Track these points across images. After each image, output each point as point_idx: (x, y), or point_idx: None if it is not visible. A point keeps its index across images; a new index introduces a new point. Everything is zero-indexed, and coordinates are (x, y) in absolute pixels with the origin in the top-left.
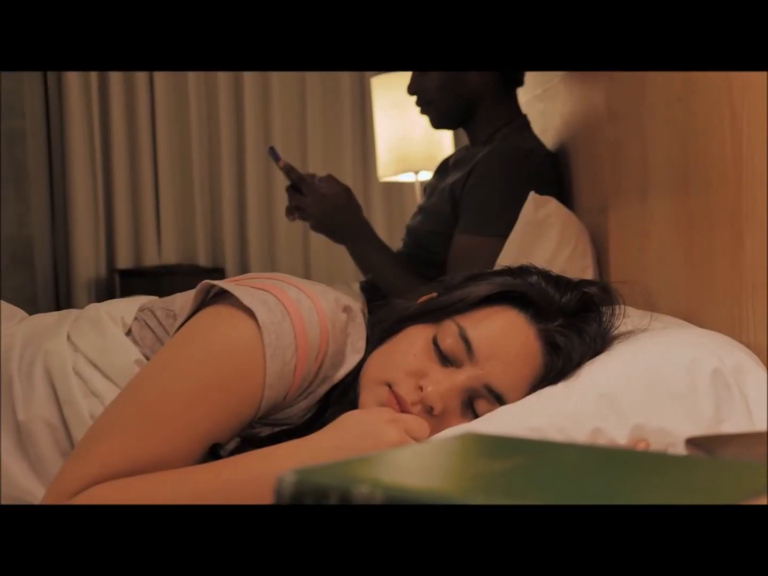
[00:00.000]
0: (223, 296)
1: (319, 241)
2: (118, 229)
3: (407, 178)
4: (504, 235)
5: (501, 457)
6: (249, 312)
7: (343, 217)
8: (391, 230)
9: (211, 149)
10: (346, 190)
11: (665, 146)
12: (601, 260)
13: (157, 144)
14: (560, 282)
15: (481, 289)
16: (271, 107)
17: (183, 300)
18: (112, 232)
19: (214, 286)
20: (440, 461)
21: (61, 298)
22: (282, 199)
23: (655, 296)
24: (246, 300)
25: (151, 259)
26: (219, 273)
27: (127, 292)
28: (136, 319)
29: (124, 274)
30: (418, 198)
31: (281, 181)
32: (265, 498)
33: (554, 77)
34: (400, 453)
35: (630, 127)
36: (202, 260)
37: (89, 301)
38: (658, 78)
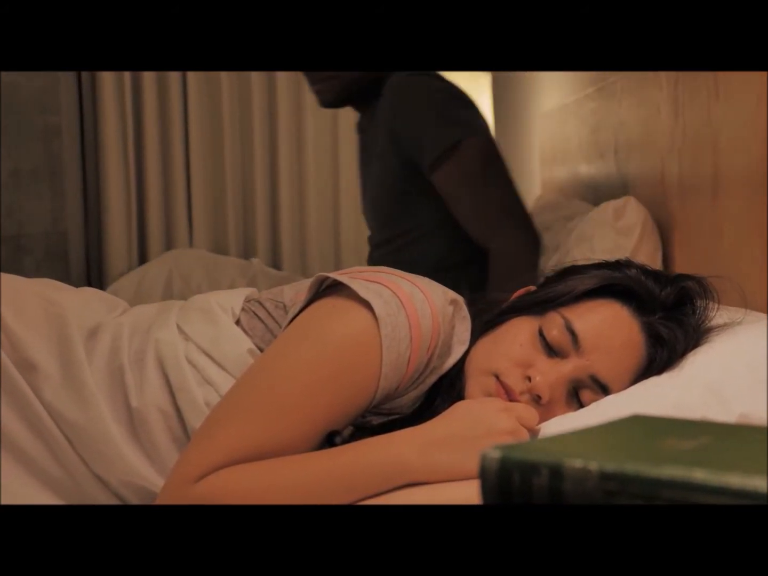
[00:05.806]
0: (336, 288)
1: (350, 232)
2: (150, 224)
3: None
4: (477, 133)
5: (687, 437)
6: (365, 304)
7: None
8: None
9: (243, 144)
10: None
11: (742, 144)
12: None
13: (190, 139)
14: (659, 276)
15: (586, 282)
16: (304, 98)
17: (292, 291)
18: (144, 227)
19: (327, 278)
20: (626, 440)
21: None
22: (314, 192)
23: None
24: (362, 293)
25: None
26: None
27: None
28: (243, 309)
29: None
30: None
31: (313, 173)
32: (383, 483)
33: (609, 75)
34: (575, 434)
35: (700, 125)
36: (234, 256)
37: (122, 295)
38: (734, 78)
